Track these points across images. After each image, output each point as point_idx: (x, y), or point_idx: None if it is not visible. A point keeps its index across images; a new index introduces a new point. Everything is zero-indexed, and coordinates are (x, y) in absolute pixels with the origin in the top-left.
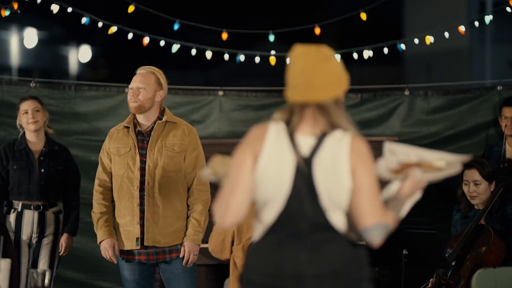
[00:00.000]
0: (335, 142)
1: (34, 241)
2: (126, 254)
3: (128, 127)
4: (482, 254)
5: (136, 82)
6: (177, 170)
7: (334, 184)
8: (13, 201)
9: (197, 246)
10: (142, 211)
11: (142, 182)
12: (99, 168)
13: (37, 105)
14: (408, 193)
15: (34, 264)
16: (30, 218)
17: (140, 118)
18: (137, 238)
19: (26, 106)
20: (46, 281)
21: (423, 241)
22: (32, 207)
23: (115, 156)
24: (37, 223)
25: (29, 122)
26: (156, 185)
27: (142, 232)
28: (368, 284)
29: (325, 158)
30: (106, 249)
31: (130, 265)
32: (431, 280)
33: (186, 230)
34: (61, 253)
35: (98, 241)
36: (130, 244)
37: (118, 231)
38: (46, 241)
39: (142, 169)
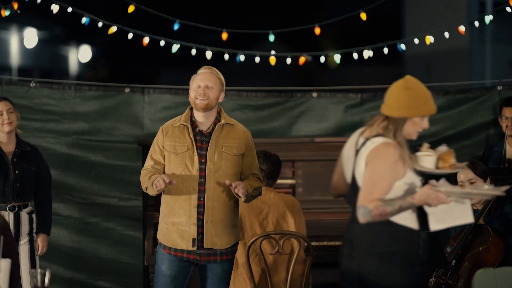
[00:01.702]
0: (370, 144)
1: None
2: (175, 252)
3: (185, 125)
4: (481, 253)
5: (204, 80)
6: (236, 173)
7: (360, 172)
8: None
9: (246, 190)
10: (199, 213)
11: (200, 184)
12: (150, 163)
13: (10, 106)
14: (421, 198)
15: None
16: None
17: (200, 117)
18: (193, 239)
19: (0, 107)
20: (46, 281)
21: None
22: (7, 208)
23: (171, 154)
24: (13, 225)
25: (5, 123)
26: (216, 188)
27: (198, 233)
28: (396, 257)
29: (361, 154)
30: (162, 177)
31: (171, 261)
32: (430, 280)
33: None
34: (38, 253)
35: (151, 182)
36: (185, 244)
37: (171, 229)
38: (23, 242)
39: (201, 170)
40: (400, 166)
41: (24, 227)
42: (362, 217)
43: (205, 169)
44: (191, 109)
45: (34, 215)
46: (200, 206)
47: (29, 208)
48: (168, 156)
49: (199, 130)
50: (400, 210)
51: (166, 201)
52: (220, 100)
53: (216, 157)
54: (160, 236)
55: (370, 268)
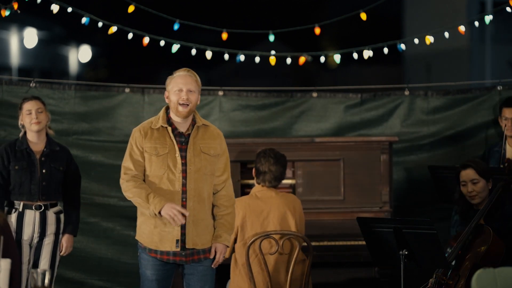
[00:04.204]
0: None
1: (35, 241)
2: (160, 254)
3: (164, 127)
4: (482, 253)
5: (186, 84)
6: (212, 173)
7: None
8: (14, 201)
9: (226, 247)
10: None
11: (182, 185)
12: (129, 165)
13: (40, 106)
14: None
15: (35, 264)
16: (31, 218)
17: (179, 119)
18: (177, 240)
19: (30, 106)
20: (46, 281)
21: (423, 241)
22: (33, 207)
23: (152, 156)
24: (39, 223)
25: (32, 122)
26: (196, 188)
27: (181, 234)
28: None
29: None
30: (173, 207)
31: (155, 265)
32: (430, 280)
33: (214, 231)
34: (61, 253)
35: (158, 208)
36: (169, 245)
37: (153, 232)
38: (47, 241)
39: (183, 172)
40: None
41: (50, 227)
42: None
43: (186, 170)
44: (167, 109)
45: (62, 216)
46: (183, 207)
47: (56, 208)
48: (148, 158)
49: (178, 131)
50: None
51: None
52: (198, 102)
53: (196, 158)
54: (142, 240)
55: None
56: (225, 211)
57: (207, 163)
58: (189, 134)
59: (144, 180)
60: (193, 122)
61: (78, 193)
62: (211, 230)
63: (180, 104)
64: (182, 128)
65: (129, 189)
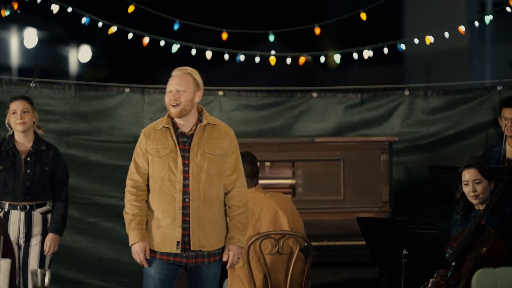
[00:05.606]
0: None
1: (21, 241)
2: (161, 255)
3: (167, 128)
4: (482, 254)
5: (175, 84)
6: (219, 173)
7: None
8: (1, 201)
9: (241, 249)
10: (184, 215)
11: (184, 185)
12: (132, 169)
13: (27, 106)
14: None
15: (24, 264)
16: (16, 218)
17: (180, 120)
18: (177, 242)
19: (15, 106)
20: (46, 281)
21: (423, 241)
22: (18, 207)
23: (154, 157)
24: (24, 224)
25: (17, 122)
26: (200, 189)
27: (183, 235)
28: None
29: None
30: (138, 252)
31: (158, 264)
32: (431, 280)
33: (227, 232)
34: (45, 253)
35: (130, 243)
36: (169, 247)
37: (155, 232)
38: (34, 242)
39: (185, 172)
40: None
41: (36, 227)
42: None
43: (189, 170)
44: None
45: (49, 216)
46: (186, 208)
47: (44, 208)
48: (151, 160)
49: (180, 132)
50: None
51: (151, 205)
52: (197, 100)
53: (199, 158)
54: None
55: None
56: (236, 211)
57: (211, 163)
58: (192, 134)
59: (148, 182)
60: (198, 121)
61: (65, 192)
62: (220, 231)
63: (171, 105)
64: (185, 128)
65: (126, 200)
